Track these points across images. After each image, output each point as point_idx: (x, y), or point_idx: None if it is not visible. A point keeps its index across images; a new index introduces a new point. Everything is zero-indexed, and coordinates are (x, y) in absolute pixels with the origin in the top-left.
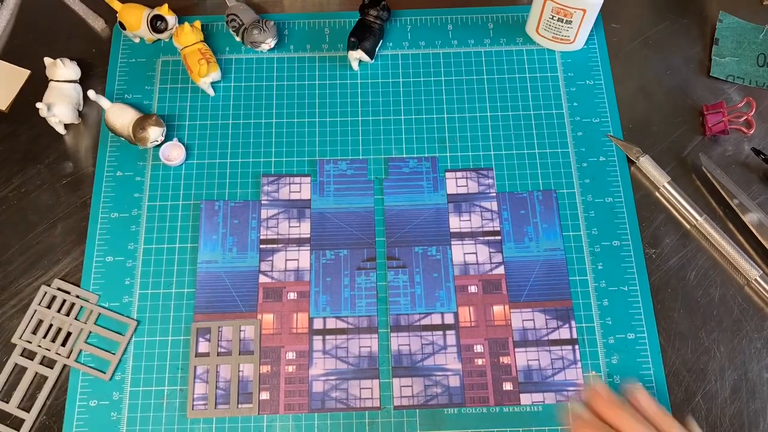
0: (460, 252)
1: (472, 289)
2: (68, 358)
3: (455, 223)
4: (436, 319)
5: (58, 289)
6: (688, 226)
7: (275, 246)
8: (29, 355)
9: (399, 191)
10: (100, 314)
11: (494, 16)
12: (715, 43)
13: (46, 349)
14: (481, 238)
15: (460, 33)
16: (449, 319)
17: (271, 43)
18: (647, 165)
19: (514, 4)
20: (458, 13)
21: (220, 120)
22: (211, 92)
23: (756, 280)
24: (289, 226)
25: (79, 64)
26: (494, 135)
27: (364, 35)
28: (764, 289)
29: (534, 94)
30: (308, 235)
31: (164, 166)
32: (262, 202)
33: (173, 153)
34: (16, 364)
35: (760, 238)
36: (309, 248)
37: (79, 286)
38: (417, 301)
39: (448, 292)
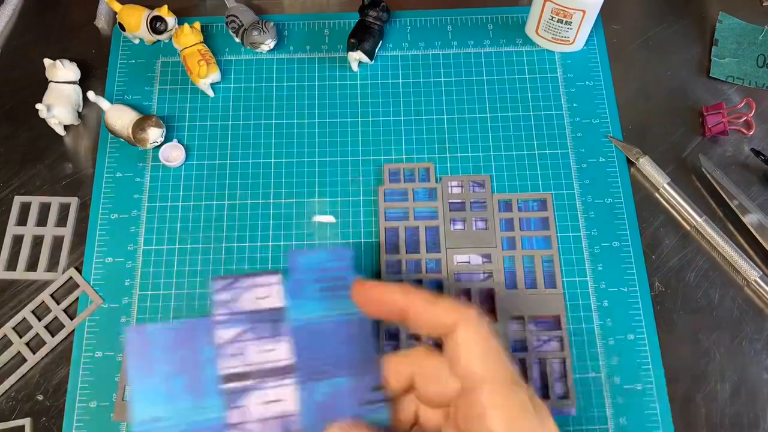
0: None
1: None
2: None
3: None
4: None
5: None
6: (687, 227)
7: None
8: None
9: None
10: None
11: (494, 17)
12: (714, 43)
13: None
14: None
15: (459, 34)
16: None
17: (270, 44)
18: (647, 166)
19: (513, 4)
20: (458, 14)
21: (219, 121)
22: (210, 93)
23: (756, 281)
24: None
25: (78, 66)
26: (494, 136)
27: (363, 36)
28: (764, 290)
29: (533, 95)
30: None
31: (164, 167)
32: (217, 318)
33: (173, 154)
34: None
35: (759, 239)
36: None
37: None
38: None
39: None
